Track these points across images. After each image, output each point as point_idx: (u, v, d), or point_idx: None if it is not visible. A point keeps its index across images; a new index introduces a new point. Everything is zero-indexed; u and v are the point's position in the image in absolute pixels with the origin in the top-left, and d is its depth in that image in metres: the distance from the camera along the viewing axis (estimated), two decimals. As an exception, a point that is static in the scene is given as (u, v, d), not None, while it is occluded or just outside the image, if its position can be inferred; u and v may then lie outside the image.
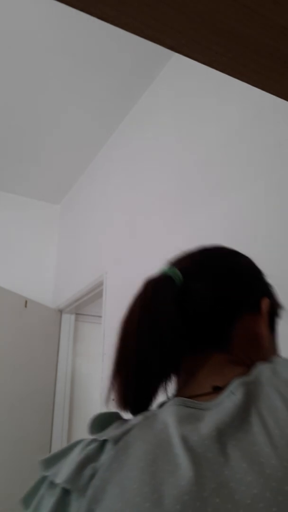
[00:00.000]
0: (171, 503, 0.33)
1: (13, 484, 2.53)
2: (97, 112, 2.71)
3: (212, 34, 0.43)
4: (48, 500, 0.39)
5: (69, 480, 0.38)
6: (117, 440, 0.41)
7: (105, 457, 0.39)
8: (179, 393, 0.50)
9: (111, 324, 2.35)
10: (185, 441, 0.37)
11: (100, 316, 2.60)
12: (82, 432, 3.16)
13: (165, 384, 0.49)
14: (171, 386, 0.51)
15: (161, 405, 0.48)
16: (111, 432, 0.43)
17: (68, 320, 3.35)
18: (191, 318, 0.50)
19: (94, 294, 2.82)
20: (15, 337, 2.89)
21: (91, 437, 0.45)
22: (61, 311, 3.32)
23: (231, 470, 0.34)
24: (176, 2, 0.39)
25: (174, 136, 2.15)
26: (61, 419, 3.05)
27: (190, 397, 0.46)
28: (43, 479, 0.42)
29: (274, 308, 0.56)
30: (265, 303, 0.53)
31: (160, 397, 0.51)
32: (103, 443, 0.42)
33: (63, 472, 0.40)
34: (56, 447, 2.97)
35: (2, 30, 2.14)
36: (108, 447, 0.41)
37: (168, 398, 0.49)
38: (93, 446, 0.42)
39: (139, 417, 0.44)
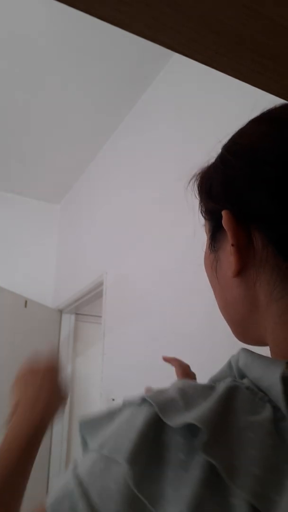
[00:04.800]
0: None
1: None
2: (97, 112, 2.71)
3: (212, 34, 0.43)
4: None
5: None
6: None
7: None
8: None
9: (111, 324, 2.35)
10: None
11: (100, 316, 2.59)
12: (82, 432, 3.15)
13: None
14: None
15: None
16: None
17: (68, 320, 3.35)
18: None
19: (94, 294, 2.82)
20: (15, 337, 2.89)
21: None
22: (61, 311, 3.32)
23: None
24: (176, 2, 0.39)
25: (173, 136, 2.15)
26: (61, 419, 3.05)
27: None
28: None
29: None
30: None
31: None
32: None
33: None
34: (56, 447, 2.97)
35: (3, 30, 2.14)
36: None
37: None
38: None
39: None
